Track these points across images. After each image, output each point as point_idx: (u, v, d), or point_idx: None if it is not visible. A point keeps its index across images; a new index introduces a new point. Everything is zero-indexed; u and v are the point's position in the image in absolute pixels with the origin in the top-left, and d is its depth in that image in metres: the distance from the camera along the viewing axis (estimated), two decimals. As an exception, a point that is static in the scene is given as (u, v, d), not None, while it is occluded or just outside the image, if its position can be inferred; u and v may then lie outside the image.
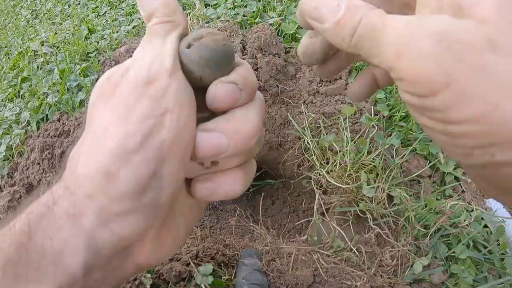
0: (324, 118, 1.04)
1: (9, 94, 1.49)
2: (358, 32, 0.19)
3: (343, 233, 0.90)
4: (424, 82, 0.16)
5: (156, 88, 0.20)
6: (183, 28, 0.23)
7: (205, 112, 0.23)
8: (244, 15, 1.36)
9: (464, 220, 0.89)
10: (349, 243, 0.88)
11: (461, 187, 0.98)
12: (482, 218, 0.92)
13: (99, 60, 1.44)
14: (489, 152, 0.16)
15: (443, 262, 0.85)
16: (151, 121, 0.19)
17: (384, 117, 1.04)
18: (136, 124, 0.19)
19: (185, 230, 0.24)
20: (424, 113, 0.18)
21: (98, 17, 1.88)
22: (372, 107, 1.06)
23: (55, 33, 1.80)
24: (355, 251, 0.87)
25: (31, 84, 1.48)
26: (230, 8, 1.39)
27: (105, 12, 1.90)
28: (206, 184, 0.23)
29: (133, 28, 1.58)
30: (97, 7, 1.98)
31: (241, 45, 1.14)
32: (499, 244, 0.87)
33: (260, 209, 1.11)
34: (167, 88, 0.20)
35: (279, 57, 1.11)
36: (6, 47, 1.96)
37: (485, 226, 0.91)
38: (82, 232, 0.18)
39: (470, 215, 0.91)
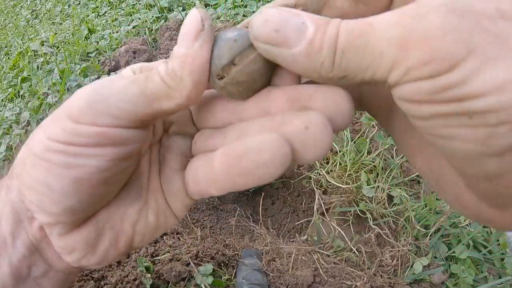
0: (324, 118, 1.04)
1: (9, 94, 1.49)
2: (340, 46, 0.16)
3: (343, 233, 0.90)
4: (441, 57, 0.14)
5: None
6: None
7: None
8: (244, 15, 1.36)
9: (464, 220, 0.89)
10: (349, 243, 0.89)
11: (461, 187, 0.98)
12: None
13: (99, 60, 1.44)
14: None
15: (443, 262, 0.85)
16: None
17: (384, 117, 1.04)
18: None
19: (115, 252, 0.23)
20: (437, 96, 0.15)
21: (98, 17, 1.88)
22: (372, 107, 1.06)
23: (55, 33, 1.80)
24: (355, 251, 0.87)
25: (31, 84, 1.48)
26: (230, 8, 1.39)
27: (105, 12, 1.90)
28: None
29: (133, 28, 1.58)
30: (97, 7, 1.99)
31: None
32: (499, 244, 0.87)
33: (260, 209, 1.11)
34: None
35: (279, 57, 1.11)
36: (6, 47, 1.96)
37: (485, 226, 0.91)
38: (9, 202, 0.21)
39: (470, 215, 0.91)
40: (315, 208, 0.96)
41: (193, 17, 0.18)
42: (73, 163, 0.19)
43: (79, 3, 2.15)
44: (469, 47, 0.14)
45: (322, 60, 0.16)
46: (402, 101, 0.16)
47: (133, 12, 1.74)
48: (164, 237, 0.85)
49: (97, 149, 0.19)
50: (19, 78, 1.52)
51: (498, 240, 0.87)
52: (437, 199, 0.93)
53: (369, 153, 0.96)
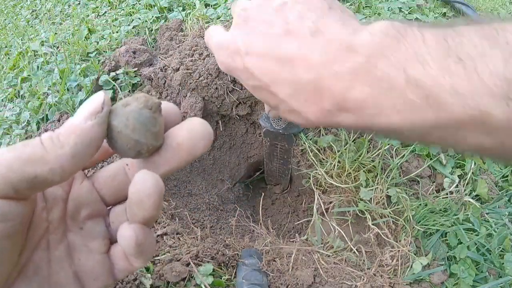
0: (324, 118, 1.04)
1: (9, 94, 1.49)
2: None
3: (343, 233, 0.90)
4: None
5: None
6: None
7: None
8: (244, 15, 1.36)
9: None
10: (349, 243, 0.89)
11: (461, 187, 0.98)
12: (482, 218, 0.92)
13: (99, 60, 1.44)
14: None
15: (443, 262, 0.85)
16: None
17: (384, 117, 1.04)
18: None
19: None
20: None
21: (98, 17, 1.88)
22: (372, 107, 1.06)
23: (55, 33, 1.80)
24: (355, 251, 0.87)
25: (31, 84, 1.48)
26: (230, 8, 1.39)
27: (105, 12, 1.90)
28: None
29: (133, 28, 1.58)
30: (97, 7, 1.98)
31: (241, 45, 1.14)
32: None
33: (260, 209, 1.11)
34: None
35: (279, 57, 1.11)
36: (6, 47, 1.96)
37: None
38: None
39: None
40: (314, 208, 0.96)
41: (97, 98, 0.20)
42: None
43: (79, 3, 2.15)
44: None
45: None
46: None
47: (133, 12, 1.74)
48: (164, 237, 0.84)
49: None
50: (19, 78, 1.52)
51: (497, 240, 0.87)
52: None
53: (368, 153, 0.96)
